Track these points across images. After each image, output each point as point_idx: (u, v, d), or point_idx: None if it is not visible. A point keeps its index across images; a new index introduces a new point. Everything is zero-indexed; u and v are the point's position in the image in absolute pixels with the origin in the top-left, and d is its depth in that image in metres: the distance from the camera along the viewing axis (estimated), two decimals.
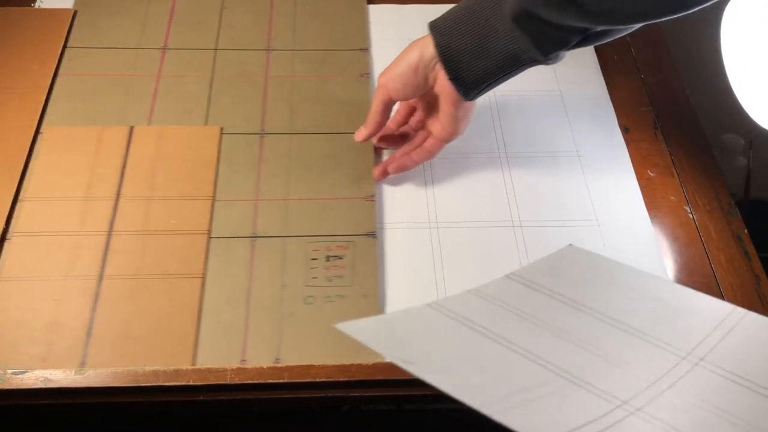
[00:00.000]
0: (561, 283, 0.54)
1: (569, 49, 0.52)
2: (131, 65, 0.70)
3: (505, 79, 0.55)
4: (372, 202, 0.62)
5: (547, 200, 0.64)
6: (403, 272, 0.59)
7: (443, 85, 0.56)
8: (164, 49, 0.72)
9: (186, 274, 0.56)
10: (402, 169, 0.63)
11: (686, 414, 0.41)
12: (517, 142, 0.69)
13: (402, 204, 0.63)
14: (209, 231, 0.59)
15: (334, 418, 0.67)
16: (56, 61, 0.69)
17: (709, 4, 0.45)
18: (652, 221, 0.64)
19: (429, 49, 0.55)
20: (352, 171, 0.64)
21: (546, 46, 0.51)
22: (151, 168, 0.62)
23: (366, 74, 0.71)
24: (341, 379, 0.53)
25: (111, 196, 0.61)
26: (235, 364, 0.53)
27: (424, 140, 0.62)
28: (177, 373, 0.52)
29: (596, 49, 0.77)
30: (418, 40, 0.57)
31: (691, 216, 0.64)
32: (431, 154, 0.62)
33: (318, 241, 0.59)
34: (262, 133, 0.66)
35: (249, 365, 0.53)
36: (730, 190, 0.67)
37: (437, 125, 0.60)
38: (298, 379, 0.53)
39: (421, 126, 0.63)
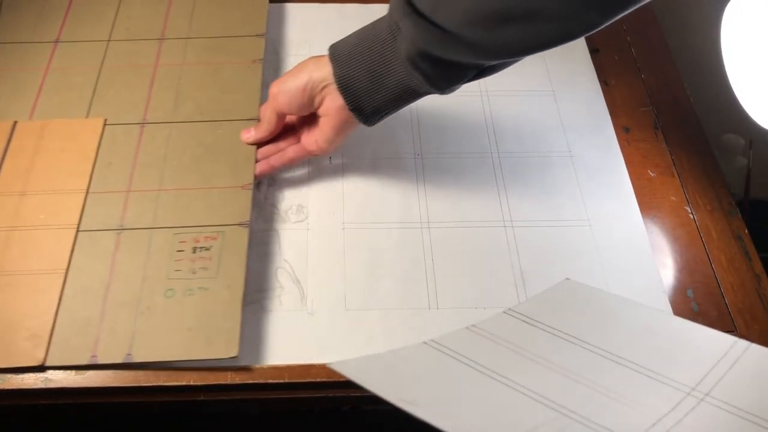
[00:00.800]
0: (560, 319, 0.53)
1: (465, 83, 0.53)
2: (20, 59, 0.70)
3: (406, 105, 0.56)
4: (249, 190, 0.60)
5: (539, 200, 0.64)
6: (394, 272, 0.59)
7: (328, 108, 0.57)
8: (56, 42, 0.71)
9: (48, 270, 0.56)
10: (262, 175, 0.63)
11: None
12: (509, 142, 0.69)
13: (393, 203, 0.63)
14: (79, 225, 0.58)
15: (334, 418, 0.67)
16: None
17: (596, 30, 0.47)
18: (652, 221, 0.64)
19: (320, 72, 0.56)
20: (231, 159, 0.62)
21: (441, 83, 0.52)
22: (28, 163, 0.62)
23: (258, 60, 0.70)
24: (341, 379, 0.53)
25: None
26: (84, 361, 0.52)
27: (289, 145, 0.63)
28: (177, 373, 0.52)
29: (595, 49, 0.77)
30: (313, 59, 0.57)
31: (691, 216, 0.64)
32: (292, 161, 0.63)
33: (186, 232, 0.58)
34: (143, 123, 0.65)
35: (100, 360, 0.52)
36: (730, 190, 0.67)
37: (312, 140, 0.60)
38: (298, 379, 0.53)
39: (292, 128, 0.64)
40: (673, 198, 0.66)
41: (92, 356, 0.52)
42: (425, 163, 0.66)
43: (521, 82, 0.73)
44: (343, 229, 0.62)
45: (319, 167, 0.66)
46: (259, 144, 0.63)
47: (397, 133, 0.68)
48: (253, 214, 0.61)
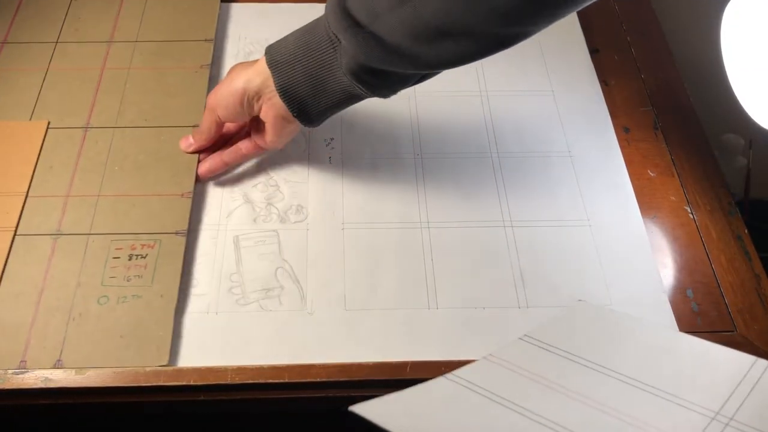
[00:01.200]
0: (576, 344, 0.52)
1: (409, 87, 0.54)
2: None
3: (349, 106, 0.56)
4: (188, 199, 0.60)
5: (539, 200, 0.64)
6: (394, 272, 0.59)
7: (267, 114, 0.57)
8: (3, 43, 0.71)
9: None
10: (212, 172, 0.63)
11: None
12: (509, 142, 0.69)
13: (393, 203, 0.63)
14: (16, 228, 0.58)
15: (334, 418, 0.67)
16: None
17: (526, 39, 0.47)
18: (652, 221, 0.64)
19: (255, 81, 0.55)
20: (172, 167, 0.62)
21: (384, 91, 0.53)
22: None
23: (206, 65, 0.70)
24: (341, 379, 0.53)
25: None
26: (14, 366, 0.52)
27: (239, 141, 0.63)
28: (177, 372, 0.52)
29: (595, 49, 0.77)
30: (246, 66, 0.57)
31: (691, 216, 0.64)
32: (244, 157, 0.63)
33: (123, 239, 0.58)
34: (87, 128, 0.65)
35: (29, 366, 0.52)
36: (730, 190, 0.67)
37: (261, 139, 0.60)
38: (298, 379, 0.53)
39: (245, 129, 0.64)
40: (673, 198, 0.66)
41: (21, 361, 0.52)
42: (425, 163, 0.66)
43: (521, 82, 0.73)
44: (343, 229, 0.62)
45: (319, 167, 0.66)
46: (200, 152, 0.63)
47: (397, 133, 0.68)
48: (252, 214, 0.62)
